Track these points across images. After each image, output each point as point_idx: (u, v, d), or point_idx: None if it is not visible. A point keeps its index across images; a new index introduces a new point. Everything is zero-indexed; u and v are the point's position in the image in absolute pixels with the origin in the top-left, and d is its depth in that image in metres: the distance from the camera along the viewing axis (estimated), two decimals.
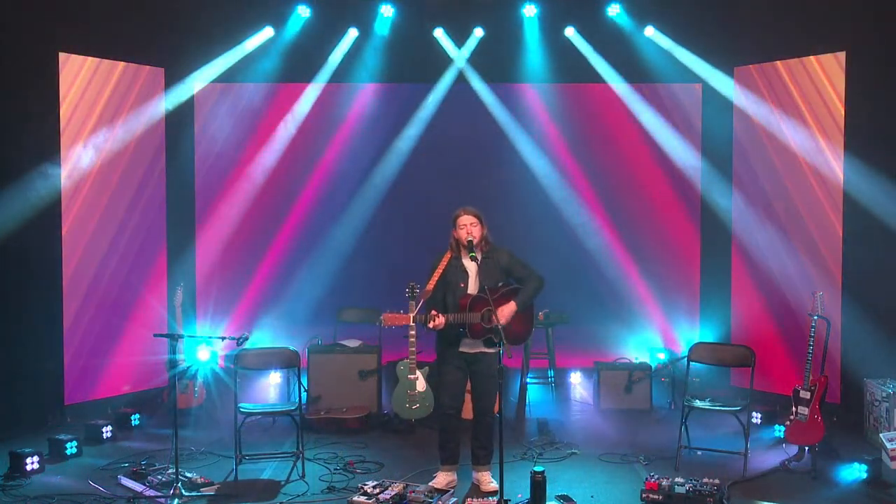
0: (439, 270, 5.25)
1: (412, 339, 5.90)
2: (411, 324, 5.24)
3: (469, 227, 5.25)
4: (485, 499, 5.09)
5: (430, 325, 5.12)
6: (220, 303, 8.18)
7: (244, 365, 5.92)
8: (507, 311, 5.23)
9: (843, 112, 6.83)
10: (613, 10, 7.72)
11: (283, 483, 5.50)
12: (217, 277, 8.19)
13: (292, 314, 8.16)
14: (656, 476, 5.20)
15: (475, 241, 5.24)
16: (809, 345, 5.79)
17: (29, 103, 6.67)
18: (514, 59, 7.98)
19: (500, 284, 5.32)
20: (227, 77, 7.88)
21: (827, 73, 6.94)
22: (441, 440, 5.44)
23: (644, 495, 5.14)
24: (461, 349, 5.30)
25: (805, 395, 5.76)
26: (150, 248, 7.59)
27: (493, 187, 8.14)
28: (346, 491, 5.30)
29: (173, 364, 6.61)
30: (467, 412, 5.56)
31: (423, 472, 5.65)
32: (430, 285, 5.19)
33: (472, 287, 5.26)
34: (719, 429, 6.51)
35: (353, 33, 7.92)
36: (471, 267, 5.28)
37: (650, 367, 7.44)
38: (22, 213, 6.53)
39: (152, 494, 5.25)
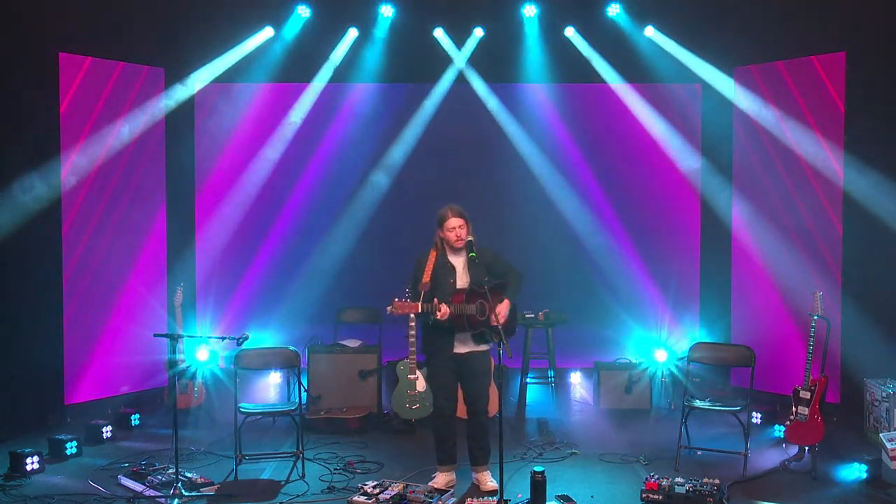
0: (430, 266, 5.26)
1: (412, 340, 5.91)
2: (419, 311, 5.17)
3: (458, 229, 5.26)
4: (485, 499, 5.09)
5: (438, 314, 5.11)
6: (221, 303, 8.19)
7: (244, 365, 5.92)
8: (503, 309, 5.28)
9: (843, 112, 6.83)
10: (613, 10, 7.71)
11: (283, 483, 5.49)
12: (217, 277, 8.18)
13: (292, 314, 8.15)
14: (656, 476, 5.20)
15: (460, 243, 5.25)
16: (809, 345, 5.79)
17: (29, 103, 6.66)
18: (514, 59, 7.97)
19: (485, 279, 5.32)
20: (227, 77, 7.88)
21: (827, 73, 6.94)
22: (437, 442, 5.44)
23: (644, 495, 5.14)
24: (454, 350, 5.31)
25: (805, 395, 5.76)
26: (150, 248, 7.59)
27: (492, 187, 8.14)
28: (346, 491, 5.30)
29: (173, 364, 6.62)
30: (463, 412, 5.55)
31: (423, 472, 5.65)
32: (427, 277, 5.20)
33: (461, 283, 5.29)
34: (719, 429, 6.51)
35: (353, 33, 7.91)
36: (458, 263, 5.31)
37: (650, 366, 7.42)
38: (22, 212, 6.53)
39: (152, 494, 5.25)
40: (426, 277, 5.20)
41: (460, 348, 5.32)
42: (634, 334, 8.11)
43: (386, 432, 6.73)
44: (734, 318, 7.66)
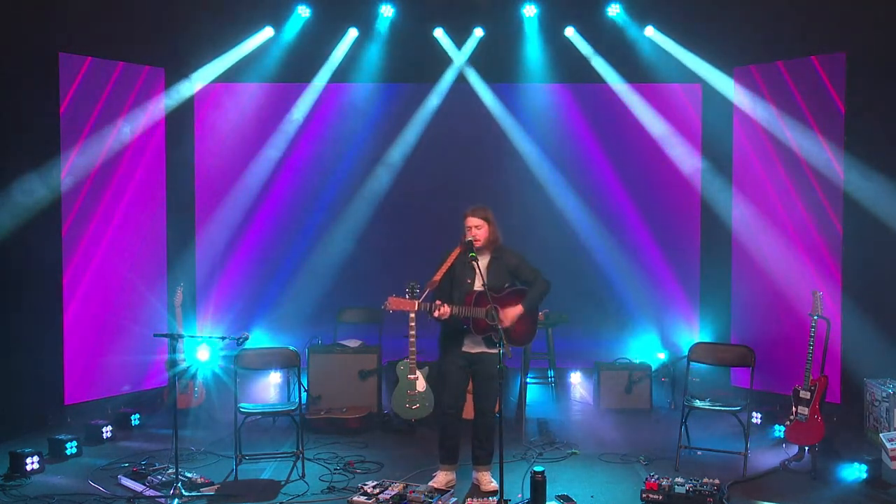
0: (448, 263, 5.24)
1: (412, 339, 5.91)
2: (416, 310, 5.18)
3: (474, 229, 5.26)
4: (485, 499, 5.09)
5: (435, 314, 5.10)
6: (221, 303, 8.19)
7: (244, 365, 5.92)
8: (512, 314, 5.25)
9: (843, 112, 6.83)
10: (613, 10, 7.72)
11: (283, 483, 5.49)
12: (217, 277, 8.19)
13: (292, 314, 8.16)
14: (656, 476, 5.20)
15: (479, 243, 5.24)
16: (809, 345, 5.79)
17: (29, 103, 6.66)
18: (514, 59, 7.98)
19: (506, 285, 5.33)
20: (227, 77, 7.89)
21: (827, 73, 6.94)
22: (441, 439, 5.44)
23: (644, 495, 5.14)
24: (464, 348, 5.31)
25: (805, 395, 5.76)
26: (150, 248, 7.59)
27: (493, 187, 8.13)
28: (346, 491, 5.30)
29: (173, 364, 6.61)
30: (468, 412, 5.56)
31: (423, 472, 5.65)
32: (438, 276, 5.18)
33: (479, 284, 5.23)
34: (719, 429, 6.51)
35: (353, 33, 7.92)
36: (481, 264, 5.26)
37: (650, 366, 7.43)
38: (22, 213, 6.53)
39: (152, 494, 5.25)
40: (436, 277, 5.18)
41: (471, 347, 5.31)
42: (634, 334, 8.13)
43: (386, 432, 6.73)
44: (734, 318, 7.67)
